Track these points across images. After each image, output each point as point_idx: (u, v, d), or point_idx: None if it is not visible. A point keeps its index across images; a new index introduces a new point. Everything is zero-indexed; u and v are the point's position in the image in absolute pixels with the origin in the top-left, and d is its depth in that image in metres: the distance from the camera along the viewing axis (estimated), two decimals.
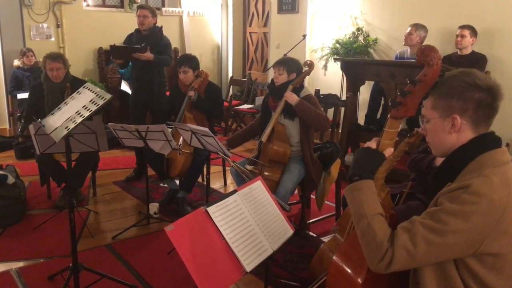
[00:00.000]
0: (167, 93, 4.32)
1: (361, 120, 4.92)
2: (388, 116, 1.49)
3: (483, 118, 1.35)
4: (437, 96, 1.38)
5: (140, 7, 4.27)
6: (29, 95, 3.92)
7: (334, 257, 1.66)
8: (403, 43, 4.64)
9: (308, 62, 3.16)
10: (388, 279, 1.49)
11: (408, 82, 1.40)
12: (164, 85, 4.35)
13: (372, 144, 1.52)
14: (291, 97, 2.97)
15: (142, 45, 3.99)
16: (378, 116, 4.84)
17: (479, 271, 1.30)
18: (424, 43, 4.58)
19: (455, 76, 1.35)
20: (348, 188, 1.46)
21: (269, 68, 5.78)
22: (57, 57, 3.62)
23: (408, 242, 1.26)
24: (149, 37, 4.14)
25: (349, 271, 1.58)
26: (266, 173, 2.98)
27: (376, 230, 1.31)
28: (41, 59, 4.24)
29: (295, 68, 3.09)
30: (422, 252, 1.25)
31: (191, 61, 3.74)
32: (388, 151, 1.50)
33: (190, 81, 3.71)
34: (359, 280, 1.51)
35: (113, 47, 4.12)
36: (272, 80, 3.17)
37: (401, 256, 1.26)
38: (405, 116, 1.45)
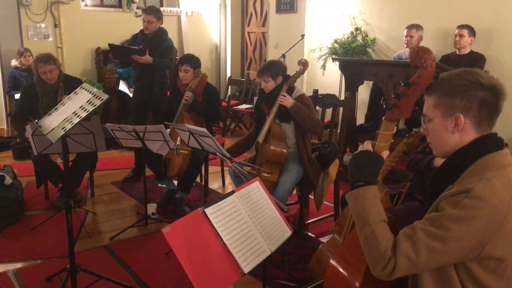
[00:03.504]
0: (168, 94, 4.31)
1: (359, 120, 4.92)
2: (383, 118, 1.47)
3: (486, 118, 1.33)
4: (440, 95, 1.35)
5: (145, 11, 4.15)
6: (20, 96, 3.87)
7: (331, 261, 1.64)
8: (405, 46, 4.65)
9: (303, 60, 3.14)
10: (386, 282, 1.48)
11: (402, 84, 1.38)
12: (166, 85, 4.34)
13: (368, 147, 1.48)
14: (287, 100, 2.94)
15: (140, 47, 3.98)
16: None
17: (479, 274, 1.29)
18: (421, 42, 4.60)
19: (458, 74, 1.33)
20: (351, 194, 1.41)
21: None
22: (47, 59, 3.53)
23: (410, 249, 1.25)
24: (152, 39, 4.12)
25: (346, 274, 1.57)
26: (264, 174, 2.97)
27: (380, 239, 1.30)
28: None
29: (279, 71, 3.05)
30: (424, 259, 1.24)
31: (194, 61, 3.73)
32: (384, 154, 1.47)
33: (189, 80, 3.69)
34: (357, 284, 1.50)
35: (111, 45, 4.10)
36: (262, 88, 3.15)
37: (404, 264, 1.25)
38: (399, 118, 1.43)
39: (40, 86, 3.63)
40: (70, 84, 3.44)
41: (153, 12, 4.14)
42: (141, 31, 4.23)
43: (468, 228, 1.22)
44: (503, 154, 1.33)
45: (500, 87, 1.32)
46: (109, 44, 4.11)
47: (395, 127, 1.49)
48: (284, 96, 2.95)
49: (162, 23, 4.20)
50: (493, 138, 1.35)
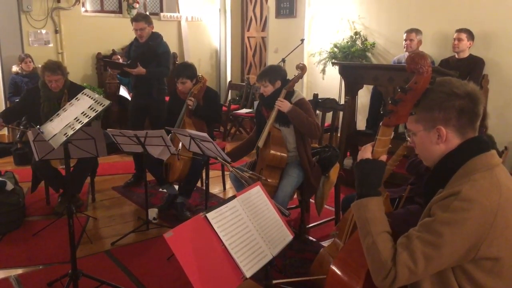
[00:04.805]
0: (167, 99, 4.31)
1: (359, 124, 4.93)
2: (380, 124, 1.49)
3: (467, 125, 1.36)
4: (419, 110, 1.39)
5: (135, 19, 4.09)
6: (22, 96, 3.87)
7: (332, 266, 1.65)
8: (405, 50, 4.66)
9: (300, 65, 3.16)
10: None
11: (399, 90, 1.40)
12: (164, 91, 4.35)
13: (367, 153, 1.48)
14: (283, 105, 2.95)
15: (129, 61, 4.01)
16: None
17: (477, 275, 1.30)
18: (421, 46, 4.61)
19: (432, 88, 1.37)
20: (355, 204, 1.45)
21: None
22: (55, 69, 3.54)
23: (409, 260, 1.26)
24: (147, 47, 4.12)
25: (347, 279, 1.57)
26: (263, 178, 2.98)
27: (380, 249, 1.32)
28: (39, 65, 4.22)
29: (278, 76, 3.07)
30: (423, 267, 1.26)
31: (188, 71, 3.69)
32: (382, 159, 1.49)
33: (188, 90, 3.69)
34: None
35: (105, 61, 4.20)
36: (261, 93, 3.17)
37: (404, 274, 1.27)
38: (397, 123, 1.45)
39: (44, 92, 3.64)
40: (74, 92, 3.44)
41: (143, 18, 4.09)
42: (136, 39, 4.22)
43: (461, 231, 1.24)
44: (490, 155, 1.35)
45: (474, 92, 1.35)
46: (103, 60, 4.18)
47: (393, 132, 1.50)
48: (281, 101, 2.97)
49: (153, 27, 4.19)
50: (479, 140, 1.38)
